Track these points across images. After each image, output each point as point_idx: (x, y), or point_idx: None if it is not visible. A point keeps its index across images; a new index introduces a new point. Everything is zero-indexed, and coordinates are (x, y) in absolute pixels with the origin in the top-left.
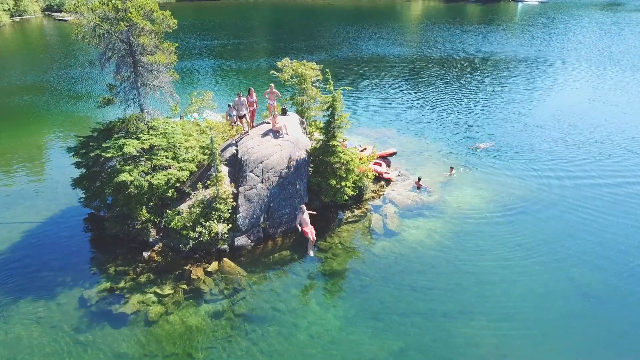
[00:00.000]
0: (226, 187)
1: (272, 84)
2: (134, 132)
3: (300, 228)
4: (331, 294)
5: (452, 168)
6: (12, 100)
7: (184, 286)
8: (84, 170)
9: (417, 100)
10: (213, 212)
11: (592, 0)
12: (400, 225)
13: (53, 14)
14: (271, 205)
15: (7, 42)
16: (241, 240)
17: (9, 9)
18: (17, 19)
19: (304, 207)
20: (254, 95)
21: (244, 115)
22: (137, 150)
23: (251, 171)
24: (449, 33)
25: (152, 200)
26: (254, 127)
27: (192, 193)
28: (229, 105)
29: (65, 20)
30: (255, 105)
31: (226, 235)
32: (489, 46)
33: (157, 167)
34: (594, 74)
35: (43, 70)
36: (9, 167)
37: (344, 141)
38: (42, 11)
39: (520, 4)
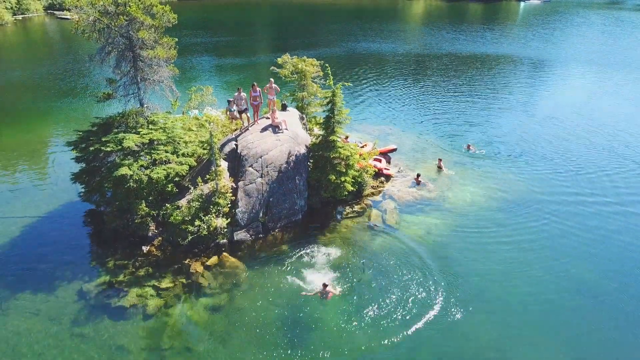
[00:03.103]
0: (225, 181)
1: (271, 79)
2: (133, 127)
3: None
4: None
5: (440, 159)
6: (13, 97)
7: (183, 280)
8: (84, 165)
9: (418, 98)
10: (212, 207)
11: None
12: (399, 221)
13: (55, 12)
14: (270, 200)
15: (9, 40)
16: (240, 235)
17: (12, 8)
18: (20, 17)
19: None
20: (258, 89)
21: (244, 110)
22: (136, 145)
23: (250, 166)
24: (450, 32)
25: (152, 195)
26: (257, 121)
27: (192, 187)
28: (229, 101)
29: (67, 19)
30: (259, 100)
31: (225, 230)
32: (490, 46)
33: (156, 162)
34: (595, 73)
35: (44, 67)
36: (10, 162)
37: (346, 138)
38: (44, 9)
39: (522, 3)
